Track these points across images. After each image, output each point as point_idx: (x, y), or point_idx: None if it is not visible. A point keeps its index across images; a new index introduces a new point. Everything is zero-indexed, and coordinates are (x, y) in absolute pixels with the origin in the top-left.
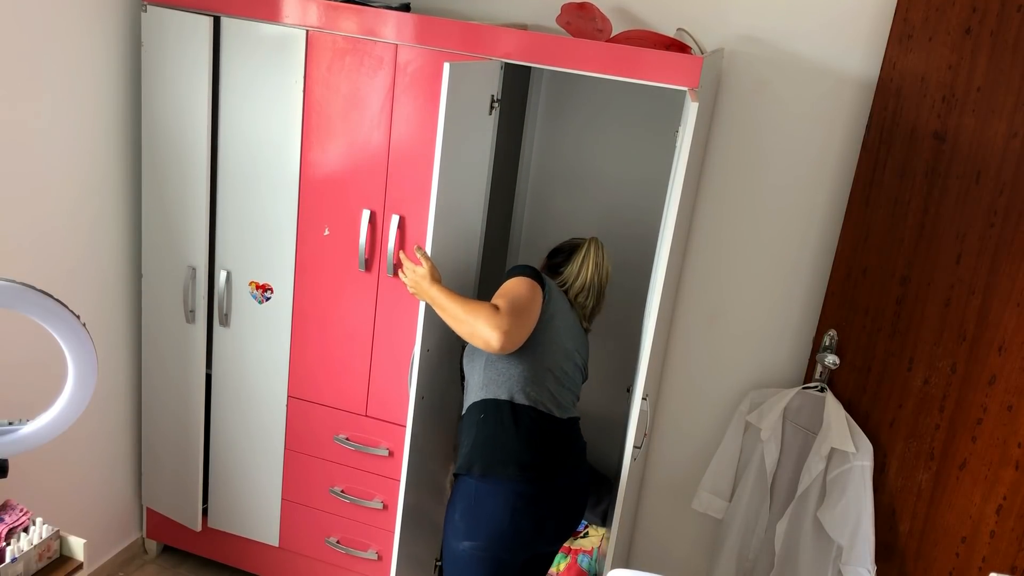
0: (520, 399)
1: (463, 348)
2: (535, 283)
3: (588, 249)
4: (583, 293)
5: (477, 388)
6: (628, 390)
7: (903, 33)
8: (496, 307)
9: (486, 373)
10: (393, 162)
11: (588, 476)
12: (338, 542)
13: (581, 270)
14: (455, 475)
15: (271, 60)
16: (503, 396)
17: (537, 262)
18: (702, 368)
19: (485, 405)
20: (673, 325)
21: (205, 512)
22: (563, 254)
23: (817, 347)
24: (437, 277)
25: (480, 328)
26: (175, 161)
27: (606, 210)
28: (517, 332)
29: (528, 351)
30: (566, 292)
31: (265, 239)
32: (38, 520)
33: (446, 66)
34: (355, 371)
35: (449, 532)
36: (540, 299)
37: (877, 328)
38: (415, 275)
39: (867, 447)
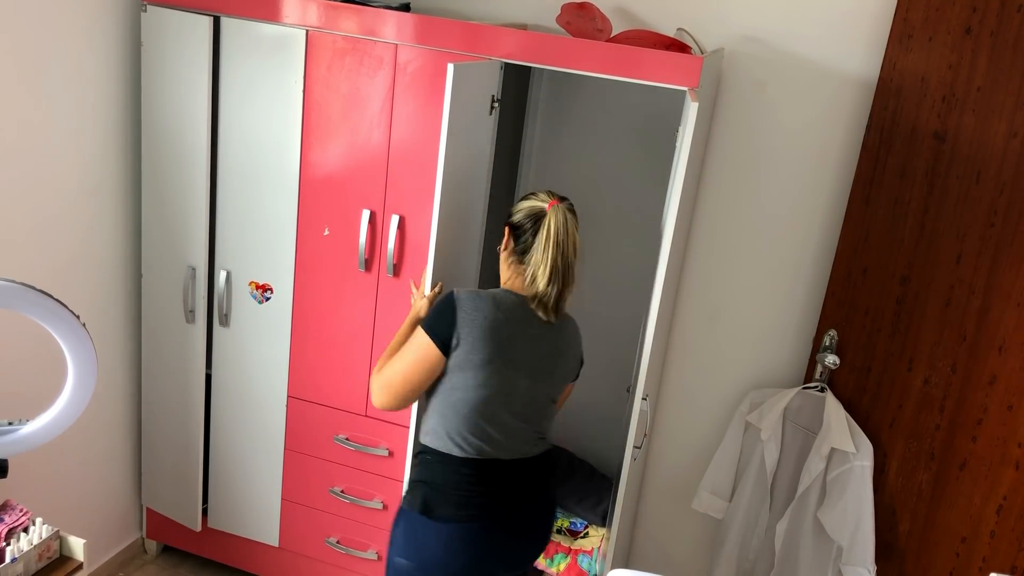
0: (457, 452)
1: None
2: (427, 341)
3: (548, 226)
4: (546, 289)
5: (423, 429)
6: (628, 390)
7: (903, 33)
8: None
9: (428, 420)
10: (393, 162)
11: (545, 506)
12: (338, 542)
13: (544, 258)
14: None
15: (271, 60)
16: (440, 447)
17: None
18: (702, 368)
19: (424, 449)
20: (673, 325)
21: (205, 512)
22: (528, 231)
23: (817, 347)
24: (422, 317)
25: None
26: (175, 161)
27: (606, 210)
28: (390, 399)
29: (460, 401)
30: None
31: (265, 239)
32: (38, 520)
33: (450, 67)
34: (355, 371)
35: (390, 541)
36: (431, 359)
37: (877, 328)
38: (414, 300)
39: (867, 447)
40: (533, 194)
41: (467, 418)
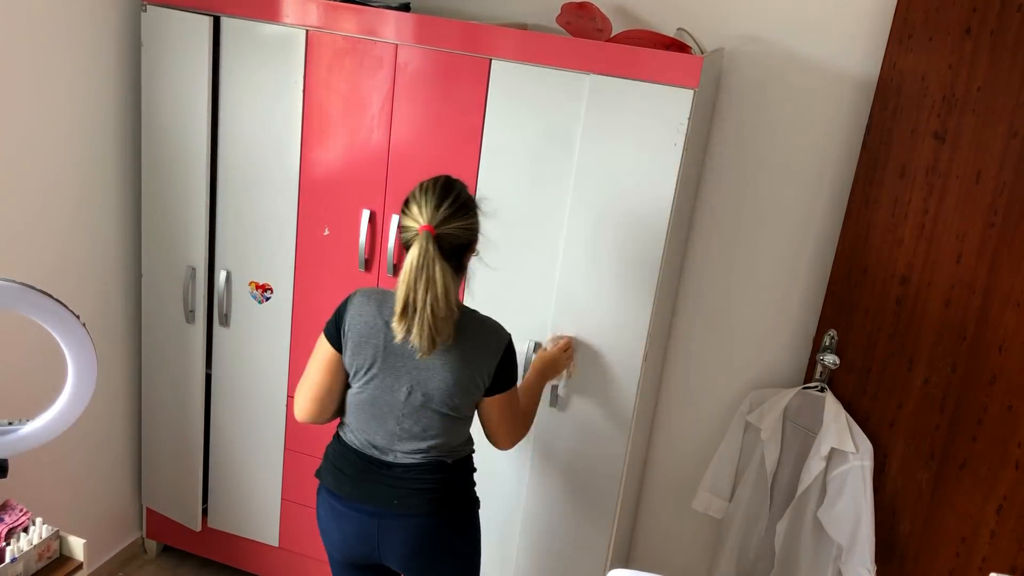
0: (347, 436)
1: None
2: (323, 340)
3: (408, 256)
4: (399, 324)
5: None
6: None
7: (903, 33)
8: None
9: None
10: (393, 162)
11: (423, 522)
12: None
13: (400, 288)
14: None
15: (271, 60)
16: (343, 429)
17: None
18: (702, 368)
19: (336, 431)
20: (673, 325)
21: (205, 512)
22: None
23: (817, 347)
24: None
25: None
26: (175, 161)
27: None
28: (304, 407)
29: (349, 405)
30: None
31: (265, 239)
32: (38, 520)
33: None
34: None
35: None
36: (328, 359)
37: (877, 328)
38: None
39: (867, 447)
40: (420, 199)
41: (357, 416)
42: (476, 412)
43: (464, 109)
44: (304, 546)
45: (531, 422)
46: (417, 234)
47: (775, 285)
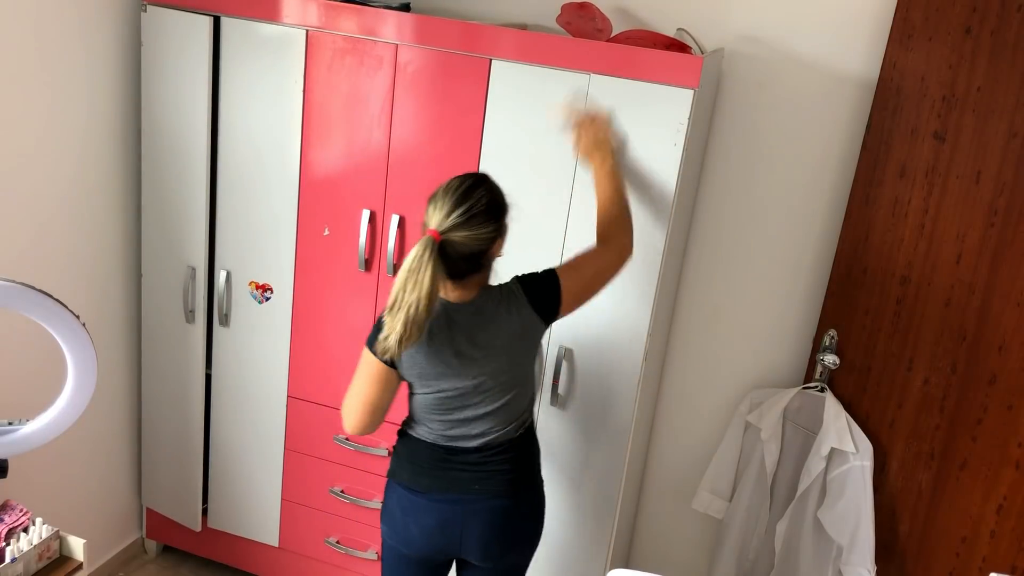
0: (413, 431)
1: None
2: (371, 356)
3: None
4: (391, 322)
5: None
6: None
7: (903, 33)
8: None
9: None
10: (393, 162)
11: (503, 504)
12: (338, 542)
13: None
14: None
15: (271, 60)
16: (408, 428)
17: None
18: (702, 368)
19: (400, 429)
20: (673, 325)
21: (205, 512)
22: None
23: (817, 347)
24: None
25: None
26: (175, 161)
27: None
28: (356, 420)
29: (418, 406)
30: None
31: (265, 239)
32: (38, 520)
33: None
34: (355, 371)
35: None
36: (377, 372)
37: (877, 328)
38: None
39: (867, 447)
40: (438, 199)
41: (427, 415)
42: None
43: (464, 109)
44: (304, 546)
45: (626, 212)
46: (424, 235)
47: (775, 285)
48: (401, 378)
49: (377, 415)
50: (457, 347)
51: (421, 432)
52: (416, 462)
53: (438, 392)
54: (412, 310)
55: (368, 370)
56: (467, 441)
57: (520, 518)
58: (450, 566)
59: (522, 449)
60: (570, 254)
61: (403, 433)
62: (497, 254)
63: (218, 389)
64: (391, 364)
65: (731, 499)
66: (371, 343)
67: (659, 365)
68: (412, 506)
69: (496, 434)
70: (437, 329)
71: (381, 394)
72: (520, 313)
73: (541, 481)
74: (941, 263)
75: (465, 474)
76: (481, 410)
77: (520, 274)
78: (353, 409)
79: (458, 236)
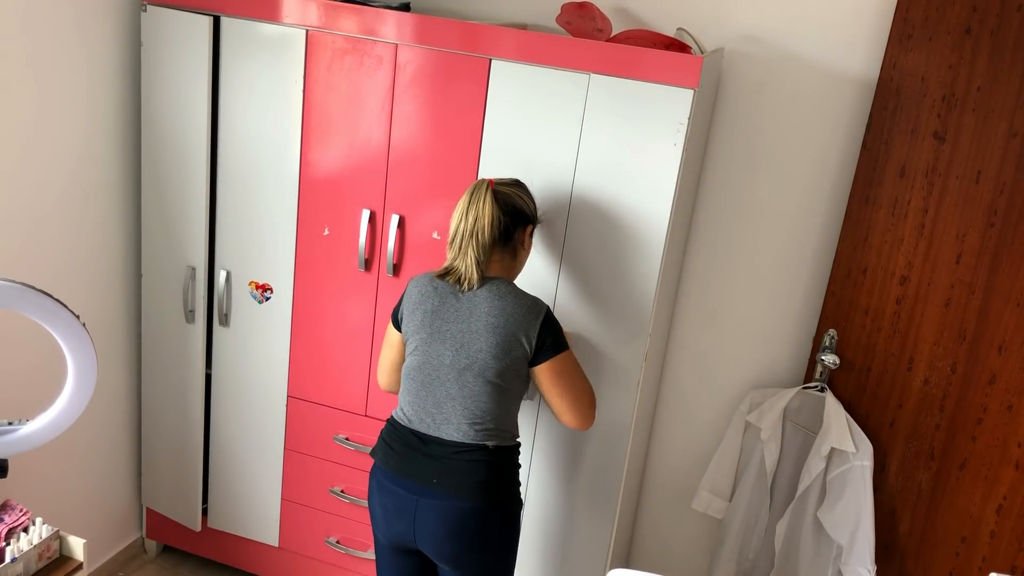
0: (397, 412)
1: None
2: (389, 324)
3: (462, 198)
4: (452, 261)
5: None
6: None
7: (903, 33)
8: None
9: None
10: (393, 162)
11: (460, 505)
12: (338, 542)
13: (451, 227)
14: None
15: (271, 60)
16: (396, 408)
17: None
18: (702, 368)
19: (389, 416)
20: (673, 325)
21: (205, 512)
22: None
23: (817, 347)
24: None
25: None
26: (175, 161)
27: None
28: (380, 379)
29: (405, 369)
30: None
31: (265, 239)
32: (38, 520)
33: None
34: (355, 371)
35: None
36: (391, 337)
37: (877, 328)
38: None
39: (867, 447)
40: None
41: (407, 387)
42: (535, 388)
43: (464, 109)
44: (304, 546)
45: (589, 396)
46: (478, 181)
47: (775, 285)
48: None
49: (393, 375)
50: (454, 313)
51: (399, 413)
52: (390, 442)
53: (424, 359)
54: (479, 235)
55: (387, 332)
56: (439, 429)
57: (478, 526)
58: (428, 560)
59: (494, 462)
60: (562, 280)
61: (389, 417)
62: (525, 244)
63: (218, 389)
64: (397, 325)
65: (731, 499)
66: (393, 314)
67: (659, 365)
68: (379, 486)
69: (469, 431)
70: (446, 290)
71: (390, 355)
72: (525, 320)
73: (511, 500)
74: (941, 263)
75: (429, 465)
76: (454, 391)
77: (548, 310)
78: (379, 371)
79: (507, 189)
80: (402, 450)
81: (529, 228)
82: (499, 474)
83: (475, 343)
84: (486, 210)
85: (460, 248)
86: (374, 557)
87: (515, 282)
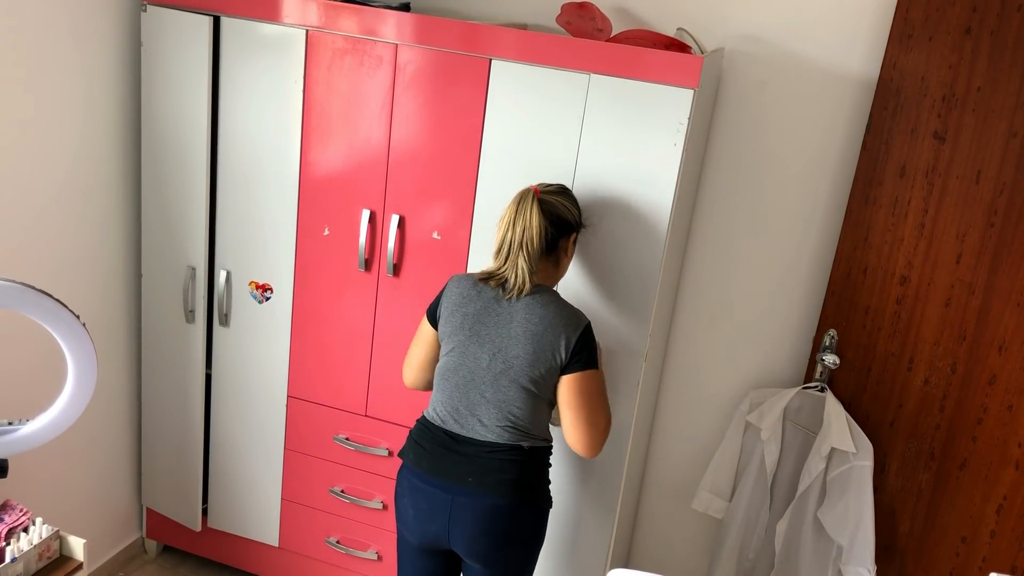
0: (430, 413)
1: None
2: (424, 320)
3: (509, 206)
4: (499, 266)
5: None
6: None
7: (903, 32)
8: None
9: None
10: (393, 162)
11: (495, 502)
12: (338, 542)
13: (497, 234)
14: None
15: (271, 60)
16: (425, 412)
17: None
18: (702, 368)
19: (420, 416)
20: (673, 325)
21: (205, 512)
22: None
23: (817, 347)
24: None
25: None
26: (175, 161)
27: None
28: (406, 374)
29: (440, 369)
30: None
31: (265, 239)
32: (38, 520)
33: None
34: (355, 371)
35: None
36: (425, 333)
37: (877, 328)
38: None
39: (867, 447)
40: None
41: (442, 387)
42: (557, 414)
43: (464, 109)
44: (304, 546)
45: (606, 423)
46: (525, 189)
47: (775, 285)
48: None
49: (422, 373)
50: (494, 318)
51: (432, 413)
52: (422, 443)
53: (460, 361)
54: (527, 245)
55: (420, 328)
56: (473, 430)
57: (512, 523)
58: (453, 561)
59: (528, 461)
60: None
61: (420, 418)
62: (568, 251)
63: (218, 389)
64: (433, 322)
65: (731, 499)
66: (429, 310)
67: (659, 365)
68: (411, 487)
69: (503, 433)
70: (488, 294)
71: (422, 352)
72: (564, 331)
73: (543, 499)
74: (941, 263)
75: (464, 464)
76: (489, 394)
77: (589, 325)
78: (407, 367)
79: (553, 198)
80: (434, 450)
81: (573, 236)
82: (532, 473)
83: (512, 349)
84: (533, 221)
85: (508, 257)
86: (378, 558)
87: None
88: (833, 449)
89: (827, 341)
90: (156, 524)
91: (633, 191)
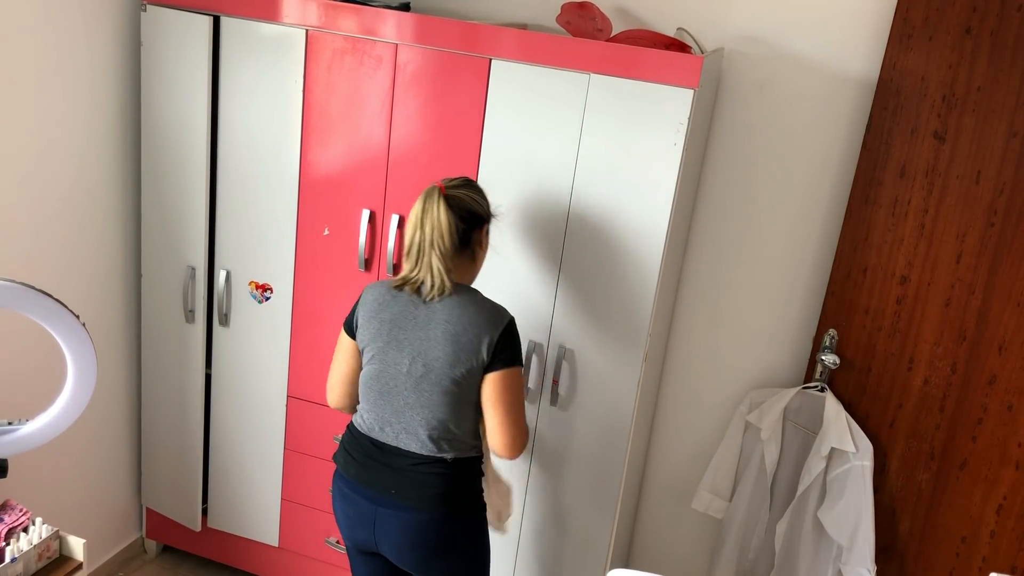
0: (357, 420)
1: None
2: (342, 332)
3: (414, 206)
4: (409, 271)
5: None
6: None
7: (903, 33)
8: None
9: None
10: (393, 162)
11: (419, 517)
12: (338, 542)
13: (406, 237)
14: None
15: (271, 60)
16: (355, 415)
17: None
18: (702, 368)
19: (349, 422)
20: (673, 325)
21: (205, 512)
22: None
23: (817, 347)
24: None
25: None
26: (175, 161)
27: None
28: (329, 394)
29: (362, 378)
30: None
31: (265, 239)
32: (38, 520)
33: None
34: None
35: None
36: (344, 345)
37: (877, 328)
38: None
39: (867, 447)
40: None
41: (366, 395)
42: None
43: (464, 109)
44: (304, 546)
45: (525, 423)
46: (429, 186)
47: (775, 285)
48: (361, 350)
49: (345, 387)
50: (412, 321)
51: (359, 421)
52: (350, 450)
53: (381, 368)
54: (439, 245)
55: (339, 341)
56: (398, 439)
57: (440, 536)
58: (388, 562)
59: (452, 473)
60: (562, 280)
61: (350, 423)
62: (482, 243)
63: (218, 389)
64: (351, 333)
65: (731, 499)
66: (346, 322)
67: (659, 365)
68: (340, 492)
69: (428, 443)
70: (405, 299)
71: (343, 365)
72: (485, 329)
73: (473, 508)
74: (941, 263)
75: (388, 476)
76: (412, 399)
77: (512, 321)
78: (329, 384)
79: (458, 192)
80: (361, 459)
81: (485, 227)
82: (457, 485)
83: (432, 351)
84: (442, 218)
85: (419, 258)
86: None
87: (475, 285)
88: (833, 449)
89: (827, 341)
90: (156, 524)
91: (633, 191)
